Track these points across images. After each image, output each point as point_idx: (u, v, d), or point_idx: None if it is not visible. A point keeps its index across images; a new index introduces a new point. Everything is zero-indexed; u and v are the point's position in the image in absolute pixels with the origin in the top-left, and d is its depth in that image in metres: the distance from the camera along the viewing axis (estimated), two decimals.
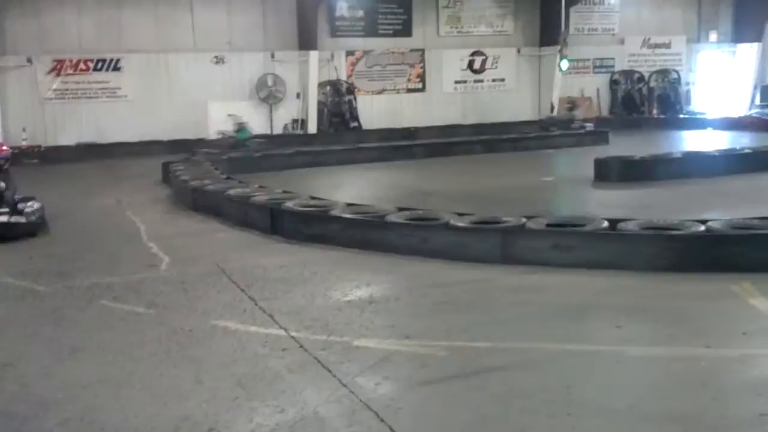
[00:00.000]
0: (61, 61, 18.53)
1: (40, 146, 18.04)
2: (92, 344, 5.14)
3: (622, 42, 24.80)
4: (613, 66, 24.78)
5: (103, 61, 18.88)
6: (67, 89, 18.70)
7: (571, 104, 22.49)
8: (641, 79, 24.86)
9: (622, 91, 24.73)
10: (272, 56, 20.38)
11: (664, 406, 3.93)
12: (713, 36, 25.87)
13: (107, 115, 18.93)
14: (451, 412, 3.93)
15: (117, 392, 4.31)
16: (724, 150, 14.07)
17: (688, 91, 25.50)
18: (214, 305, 5.92)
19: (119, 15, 18.88)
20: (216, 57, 19.89)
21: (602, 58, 24.67)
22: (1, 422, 3.96)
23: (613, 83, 24.73)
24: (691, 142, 18.12)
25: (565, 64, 22.50)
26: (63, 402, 4.18)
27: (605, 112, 24.40)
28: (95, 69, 18.87)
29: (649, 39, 25.11)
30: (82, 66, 18.76)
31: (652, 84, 24.96)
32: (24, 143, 17.94)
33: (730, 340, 4.85)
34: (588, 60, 24.46)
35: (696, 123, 22.16)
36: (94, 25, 18.76)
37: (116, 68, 19.04)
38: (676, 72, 25.20)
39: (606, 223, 7.08)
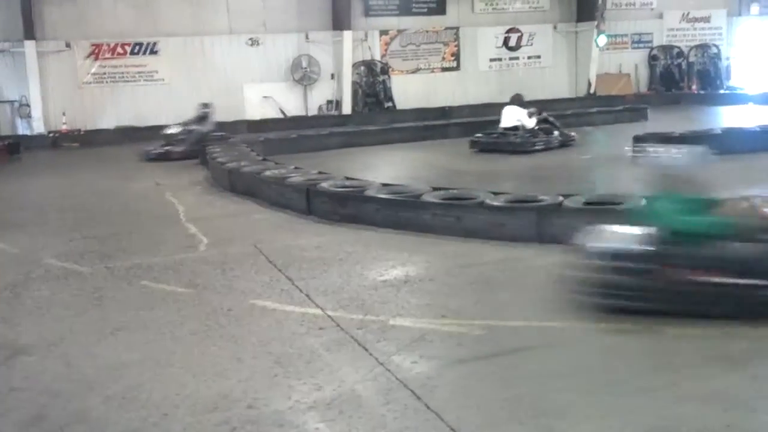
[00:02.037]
0: (98, 46, 18.74)
1: (79, 130, 18.33)
2: (133, 324, 5.24)
3: (660, 16, 24.34)
4: (651, 41, 24.34)
5: (140, 44, 19.05)
6: (105, 73, 18.92)
7: None
8: (680, 54, 24.39)
9: (661, 67, 24.29)
10: (306, 37, 20.38)
11: (703, 384, 3.89)
12: (755, 8, 25.25)
13: (145, 98, 19.13)
14: (487, 391, 3.95)
15: (158, 370, 4.40)
16: (766, 125, 13.76)
17: (728, 66, 24.96)
18: (252, 285, 5.99)
19: None
20: (251, 39, 19.96)
21: (640, 33, 24.23)
22: (45, 400, 4.07)
23: (652, 59, 24.29)
24: (732, 117, 17.75)
25: (602, 40, 22.19)
26: (105, 380, 4.28)
27: (644, 88, 24.02)
28: (132, 53, 19.05)
29: (688, 13, 24.60)
30: (119, 50, 18.95)
31: (692, 59, 24.47)
32: (64, 127, 18.24)
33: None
34: (626, 35, 24.04)
35: (736, 98, 21.69)
36: (130, 10, 18.93)
37: (153, 52, 19.20)
38: (716, 46, 24.67)
39: (644, 201, 6.98)
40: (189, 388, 4.12)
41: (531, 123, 13.82)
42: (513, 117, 13.91)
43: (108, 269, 6.69)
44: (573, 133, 14.45)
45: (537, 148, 13.51)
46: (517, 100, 14.34)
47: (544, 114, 14.37)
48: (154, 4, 19.06)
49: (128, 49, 18.99)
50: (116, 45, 18.88)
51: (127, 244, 7.65)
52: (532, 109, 14.18)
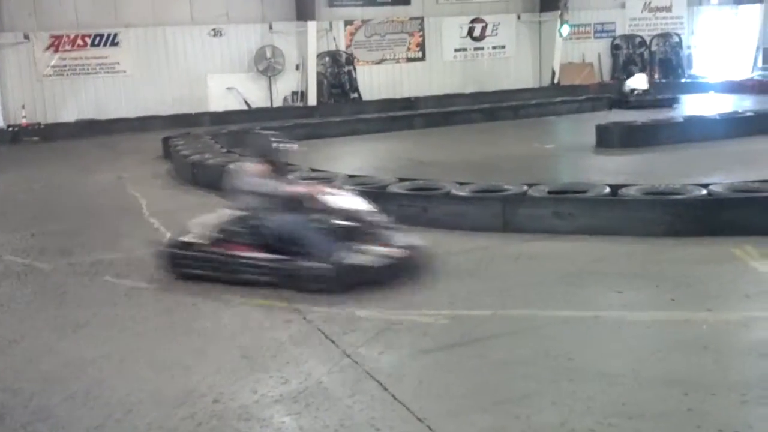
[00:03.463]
0: (58, 37, 18.39)
1: (39, 123, 18.00)
2: (96, 320, 5.17)
3: (623, 6, 24.56)
4: (614, 30, 24.53)
5: (101, 36, 18.74)
6: (65, 65, 18.58)
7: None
8: (642, 43, 24.63)
9: (624, 56, 24.50)
10: (270, 27, 20.23)
11: (665, 370, 3.96)
12: None
13: (106, 90, 18.86)
14: (452, 380, 3.96)
15: (121, 367, 4.35)
16: (726, 114, 13.99)
17: (689, 55, 25.29)
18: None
19: None
20: (213, 29, 19.74)
21: (603, 23, 24.43)
22: (7, 398, 4.00)
23: (615, 48, 24.50)
24: (693, 106, 18.01)
25: (565, 30, 22.33)
26: (68, 377, 4.22)
27: (607, 78, 24.23)
28: (93, 44, 18.73)
29: (650, 2, 24.84)
30: (79, 42, 18.62)
31: (654, 48, 24.73)
32: (23, 121, 17.89)
33: (732, 304, 4.88)
34: (589, 25, 24.22)
35: (698, 87, 22.00)
36: (90, 1, 18.61)
37: (114, 43, 18.90)
38: (678, 35, 24.97)
39: (607, 190, 7.07)
40: (153, 384, 4.08)
41: None
42: None
43: (69, 265, 6.59)
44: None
45: None
46: None
47: None
48: None
49: (88, 40, 18.66)
50: (76, 36, 18.54)
51: (89, 240, 7.54)
52: None
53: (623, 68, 24.29)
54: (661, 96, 18.77)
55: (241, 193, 5.85)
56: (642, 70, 20.84)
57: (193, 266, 5.82)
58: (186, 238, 6.00)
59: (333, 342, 4.50)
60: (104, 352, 4.56)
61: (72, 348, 4.68)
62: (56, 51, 18.44)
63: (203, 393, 3.92)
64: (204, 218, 6.14)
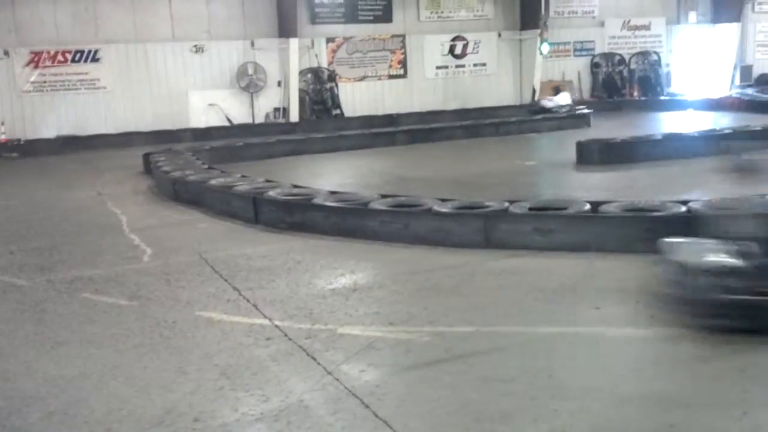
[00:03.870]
0: (38, 53, 18.31)
1: (19, 140, 17.86)
2: (75, 338, 5.12)
3: (602, 24, 24.84)
4: (593, 49, 24.81)
5: (81, 52, 18.67)
6: (45, 81, 18.48)
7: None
8: (622, 61, 24.92)
9: (603, 74, 24.78)
10: (252, 44, 20.25)
11: (645, 386, 3.97)
12: (692, 17, 25.94)
13: (87, 106, 18.78)
14: (434, 397, 3.95)
15: (101, 385, 4.30)
16: (705, 131, 14.14)
17: (668, 73, 25.59)
18: (198, 296, 5.91)
19: (95, 5, 18.66)
20: (195, 46, 19.74)
21: (582, 41, 24.69)
22: None
23: (594, 66, 24.77)
24: (672, 123, 18.20)
25: (545, 48, 22.53)
26: (46, 396, 4.17)
27: (586, 95, 24.46)
28: (73, 60, 18.66)
29: (628, 21, 25.16)
30: (60, 58, 18.54)
31: (633, 66, 25.03)
32: (2, 137, 17.76)
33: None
34: (568, 43, 24.48)
35: (677, 104, 22.26)
36: (70, 17, 18.54)
37: (95, 59, 18.84)
38: (656, 54, 25.28)
39: (588, 206, 7.12)
40: (133, 403, 4.04)
41: None
42: None
43: (48, 282, 6.53)
44: None
45: None
46: None
47: None
48: (94, 10, 18.69)
49: (69, 56, 18.59)
50: (57, 53, 18.47)
51: (68, 256, 7.48)
52: None
53: (602, 86, 24.57)
54: (578, 112, 19.48)
55: None
56: (559, 91, 22.20)
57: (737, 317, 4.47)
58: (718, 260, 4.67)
59: (314, 359, 4.48)
60: (83, 370, 4.52)
61: (50, 366, 4.63)
62: (36, 67, 18.34)
63: (183, 411, 3.89)
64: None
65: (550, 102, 20.57)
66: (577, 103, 22.48)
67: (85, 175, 13.56)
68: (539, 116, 19.15)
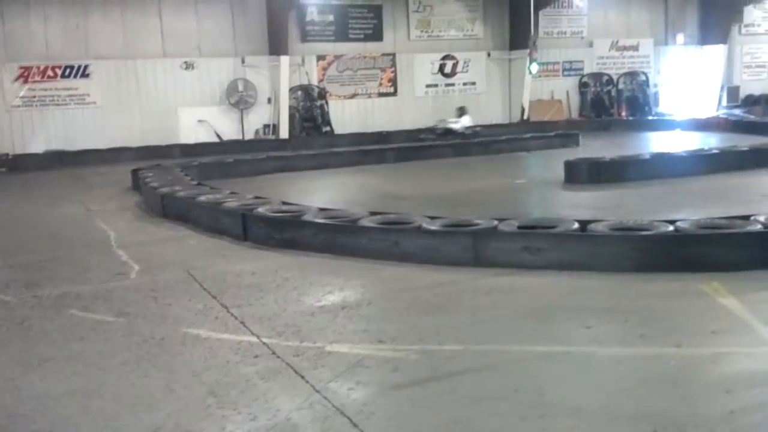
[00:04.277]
0: (28, 68, 18.29)
1: (7, 154, 17.78)
2: (61, 355, 5.08)
3: (590, 45, 25.06)
4: (582, 69, 25.01)
5: (71, 67, 18.67)
6: (34, 96, 18.46)
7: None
8: (610, 81, 25.12)
9: (592, 94, 24.96)
10: (243, 61, 20.30)
11: (634, 405, 3.97)
12: (680, 38, 26.21)
13: (76, 122, 18.75)
14: (423, 416, 3.94)
15: (87, 403, 4.26)
16: (692, 151, 14.24)
17: (656, 93, 25.81)
18: (185, 313, 5.87)
19: (86, 22, 18.69)
20: (185, 62, 19.77)
21: (571, 61, 24.89)
22: None
23: (583, 86, 24.95)
24: (660, 143, 18.32)
25: (534, 68, 22.69)
26: (31, 414, 4.12)
27: (575, 115, 24.62)
28: (63, 76, 18.65)
29: (617, 41, 25.40)
30: (49, 73, 18.53)
31: (621, 86, 25.23)
32: None
33: (700, 339, 4.91)
34: (557, 63, 24.66)
35: (664, 124, 22.41)
36: (60, 32, 18.55)
37: (84, 75, 18.83)
38: (644, 74, 25.51)
39: (576, 225, 7.14)
40: (119, 421, 4.00)
41: None
42: None
43: (35, 298, 6.48)
44: None
45: None
46: None
47: None
48: (84, 26, 18.71)
49: (59, 72, 18.58)
50: (46, 68, 18.45)
51: (56, 272, 7.42)
52: None
53: (591, 105, 24.74)
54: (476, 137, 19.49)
55: None
56: (463, 113, 21.95)
57: None
58: None
59: (302, 377, 4.46)
60: (69, 388, 4.47)
61: (36, 383, 4.58)
62: (25, 82, 18.32)
63: (170, 430, 3.86)
64: None
65: (456, 123, 20.57)
66: (566, 122, 22.64)
67: (74, 191, 13.50)
68: (527, 135, 19.19)
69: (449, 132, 19.88)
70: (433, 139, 19.13)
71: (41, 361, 4.96)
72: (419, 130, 20.51)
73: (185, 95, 19.80)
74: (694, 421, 3.75)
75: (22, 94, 18.31)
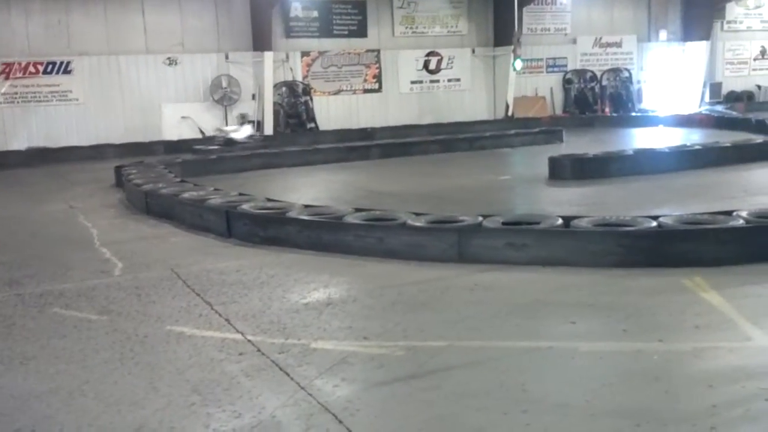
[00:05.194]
0: (9, 65, 18.16)
1: None
2: (44, 353, 5.04)
3: (574, 41, 25.15)
4: (565, 65, 25.12)
5: (53, 64, 18.55)
6: (16, 93, 18.33)
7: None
8: (594, 77, 25.23)
9: (575, 90, 25.08)
10: (226, 57, 20.24)
11: (617, 401, 3.99)
12: (663, 35, 26.37)
13: (58, 118, 18.64)
14: (408, 413, 3.94)
15: (70, 401, 4.24)
16: (675, 147, 14.33)
17: (639, 89, 25.95)
18: (169, 311, 5.85)
19: (67, 17, 18.58)
20: (169, 58, 19.69)
21: (555, 58, 24.98)
22: None
23: (566, 82, 25.06)
24: (643, 139, 18.42)
25: (518, 64, 22.77)
26: (13, 413, 4.10)
27: (559, 111, 24.71)
28: (45, 72, 18.53)
29: (600, 38, 25.52)
30: (31, 69, 18.40)
31: (605, 83, 25.36)
32: None
33: (682, 334, 4.94)
34: (541, 59, 24.75)
35: (647, 120, 22.54)
36: (42, 28, 18.43)
37: (67, 71, 18.72)
38: (628, 70, 25.64)
39: (560, 221, 7.17)
40: (102, 419, 3.98)
41: None
42: None
43: (17, 296, 6.43)
44: None
45: None
46: None
47: None
48: (66, 22, 18.59)
49: (41, 68, 18.47)
50: (28, 64, 18.33)
51: (38, 270, 7.37)
52: None
53: (575, 102, 24.84)
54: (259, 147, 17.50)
55: None
56: (245, 121, 20.03)
57: None
58: None
59: (287, 374, 4.45)
60: (52, 386, 4.45)
61: (19, 382, 4.55)
62: (7, 78, 18.19)
63: (154, 428, 3.84)
64: None
65: (237, 132, 18.63)
66: (550, 118, 22.71)
67: (56, 188, 13.42)
68: (511, 131, 19.23)
69: (231, 142, 17.89)
70: (214, 150, 16.98)
71: (24, 359, 4.93)
72: (196, 140, 18.78)
73: (169, 91, 19.73)
74: (677, 415, 3.78)
75: (3, 90, 18.17)
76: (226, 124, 20.16)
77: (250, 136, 18.73)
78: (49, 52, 18.50)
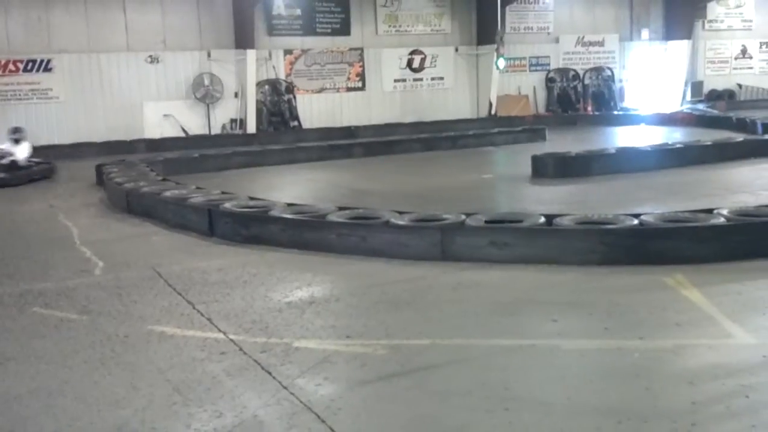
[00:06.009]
0: None
1: None
2: (24, 353, 4.99)
3: (556, 40, 25.25)
4: (548, 64, 25.21)
5: (33, 61, 18.38)
6: None
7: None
8: (576, 76, 25.34)
9: (558, 89, 25.17)
10: (208, 55, 20.14)
11: (598, 398, 4.01)
12: (645, 34, 26.52)
13: (39, 117, 18.47)
14: (390, 411, 3.94)
15: (49, 402, 4.20)
16: (657, 145, 14.41)
17: (621, 88, 26.09)
18: (151, 310, 5.81)
19: (47, 15, 18.42)
20: (150, 56, 19.56)
21: (538, 57, 25.06)
22: None
23: (549, 81, 25.15)
24: (625, 137, 18.50)
25: (501, 63, 22.81)
26: None
27: (542, 110, 24.79)
28: (25, 70, 18.36)
29: (583, 37, 25.62)
30: (11, 67, 18.23)
31: (587, 81, 25.48)
32: None
33: (663, 332, 4.97)
34: (524, 58, 24.81)
35: (630, 119, 22.67)
36: (22, 25, 18.26)
37: (47, 69, 18.56)
38: (610, 69, 25.78)
39: (542, 219, 7.18)
40: (83, 420, 3.95)
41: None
42: None
43: None
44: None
45: None
46: None
47: None
48: (46, 20, 18.42)
49: (20, 66, 18.30)
50: (8, 62, 18.16)
51: (18, 270, 7.30)
52: None
53: (557, 101, 24.93)
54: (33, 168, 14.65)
55: None
56: (20, 141, 15.00)
57: None
58: None
59: (269, 374, 4.43)
60: (31, 387, 4.40)
61: None
62: None
63: (135, 428, 3.81)
64: None
65: (17, 153, 14.58)
66: (533, 117, 22.79)
67: (36, 187, 13.28)
68: (494, 130, 19.26)
69: (14, 166, 14.17)
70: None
71: (3, 360, 4.88)
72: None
73: (150, 90, 19.60)
74: (657, 412, 3.79)
75: None
76: (209, 123, 20.08)
77: (29, 158, 14.83)
78: (29, 50, 18.33)
